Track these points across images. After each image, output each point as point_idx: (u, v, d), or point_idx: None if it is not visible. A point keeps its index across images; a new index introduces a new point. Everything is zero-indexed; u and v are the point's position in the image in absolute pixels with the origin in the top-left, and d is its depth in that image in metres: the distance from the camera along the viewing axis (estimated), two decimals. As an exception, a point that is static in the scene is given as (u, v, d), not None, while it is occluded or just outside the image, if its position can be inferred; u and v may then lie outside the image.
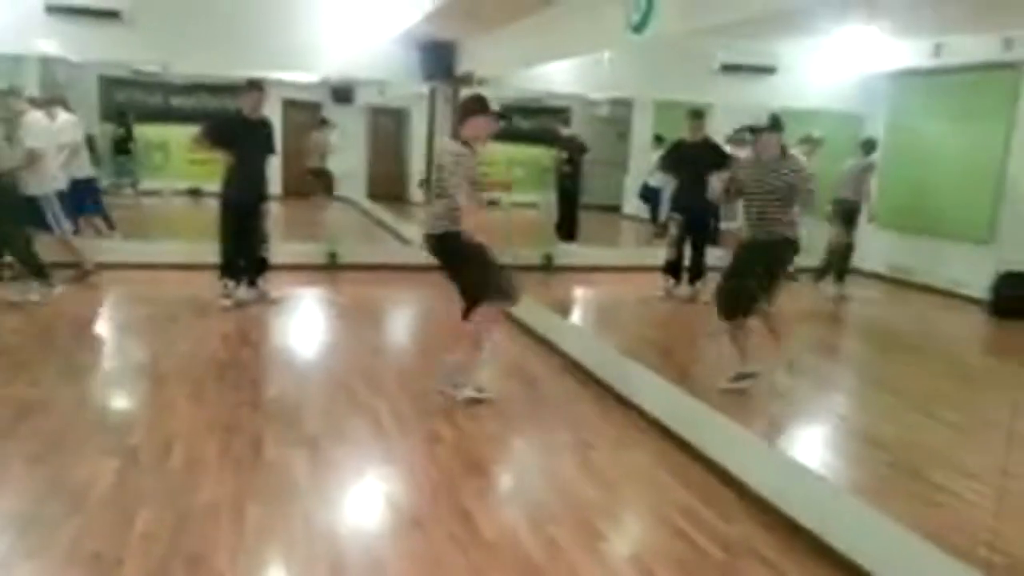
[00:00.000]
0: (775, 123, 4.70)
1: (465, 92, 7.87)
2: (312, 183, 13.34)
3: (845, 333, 7.79)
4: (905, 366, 6.21)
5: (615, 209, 13.93)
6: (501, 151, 14.33)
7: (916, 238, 8.68)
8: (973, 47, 7.72)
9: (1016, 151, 7.62)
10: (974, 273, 7.71)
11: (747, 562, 3.04)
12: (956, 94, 8.34)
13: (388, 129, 14.84)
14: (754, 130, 4.73)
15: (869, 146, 8.13)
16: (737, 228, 5.44)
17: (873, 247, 8.47)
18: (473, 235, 4.28)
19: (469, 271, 4.43)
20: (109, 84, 13.98)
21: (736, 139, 7.26)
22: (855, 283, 8.26)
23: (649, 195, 11.40)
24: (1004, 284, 7.27)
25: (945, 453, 4.28)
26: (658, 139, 11.21)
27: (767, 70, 8.35)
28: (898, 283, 8.73)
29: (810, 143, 7.51)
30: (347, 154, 14.44)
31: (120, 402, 4.61)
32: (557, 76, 8.08)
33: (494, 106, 4.39)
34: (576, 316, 7.51)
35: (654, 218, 11.21)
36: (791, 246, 4.76)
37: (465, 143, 4.36)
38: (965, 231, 8.09)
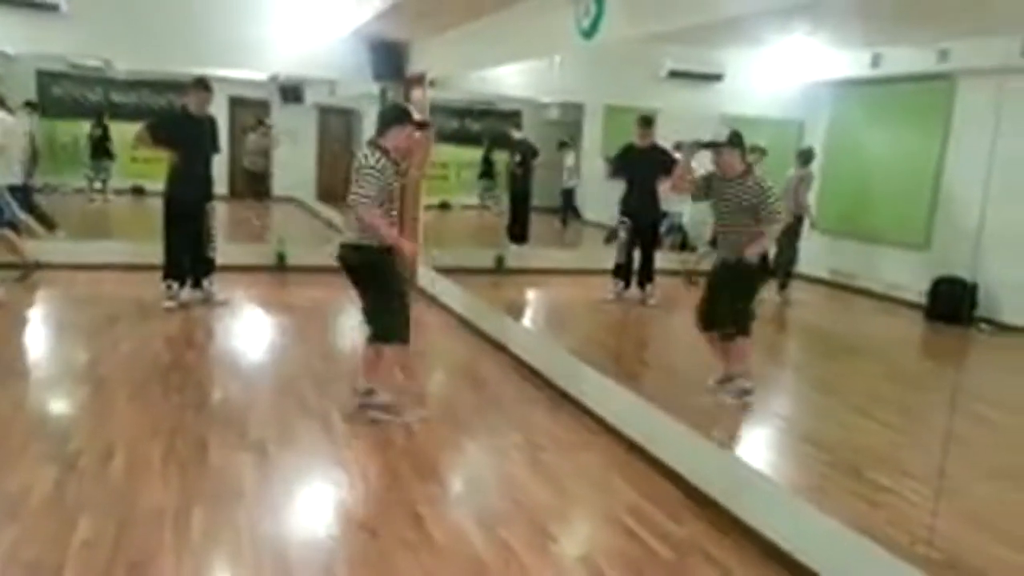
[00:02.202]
0: (733, 138, 4.52)
1: (416, 92, 7.85)
2: (245, 182, 13.28)
3: (788, 337, 7.94)
4: (845, 369, 6.37)
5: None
6: (451, 153, 14.31)
7: (856, 243, 8.89)
8: (910, 58, 7.94)
9: (951, 160, 7.87)
10: (912, 278, 7.93)
11: (695, 561, 3.09)
12: (894, 103, 8.58)
13: (338, 129, 14.66)
14: (713, 145, 4.56)
15: (806, 156, 8.27)
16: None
17: (815, 252, 8.66)
18: (398, 244, 4.17)
19: (371, 294, 4.28)
20: (48, 79, 13.58)
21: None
22: (797, 288, 8.43)
23: (564, 197, 11.66)
24: (940, 289, 7.50)
25: (884, 453, 4.41)
26: (562, 145, 11.45)
27: (714, 77, 8.48)
28: (839, 287, 8.93)
29: (756, 152, 7.63)
30: (295, 154, 14.28)
31: (59, 406, 4.47)
32: (508, 79, 8.08)
33: (416, 116, 4.22)
34: (527, 318, 7.52)
35: (564, 219, 11.53)
36: (758, 268, 4.62)
37: (385, 152, 4.14)
38: (903, 237, 8.32)
